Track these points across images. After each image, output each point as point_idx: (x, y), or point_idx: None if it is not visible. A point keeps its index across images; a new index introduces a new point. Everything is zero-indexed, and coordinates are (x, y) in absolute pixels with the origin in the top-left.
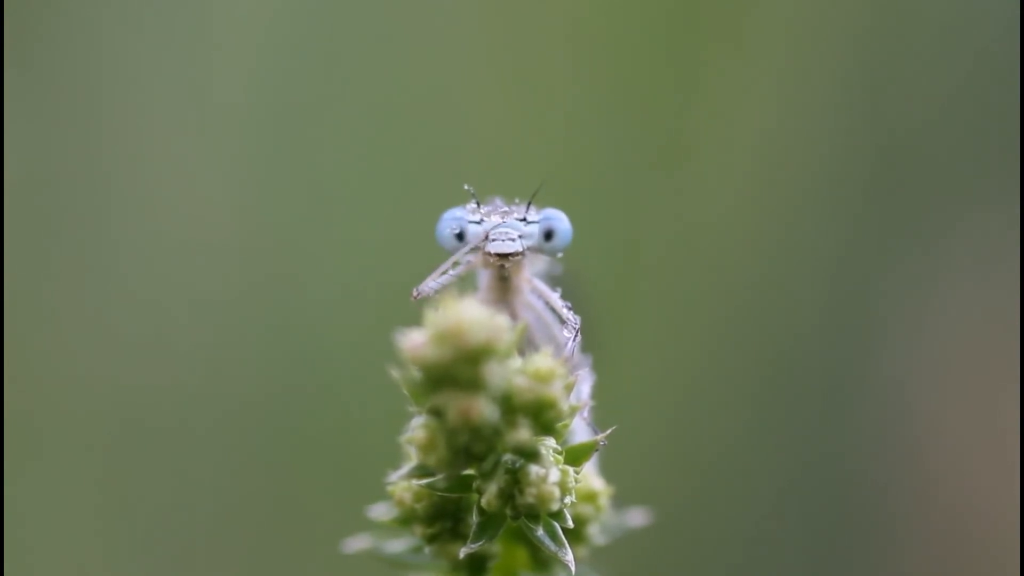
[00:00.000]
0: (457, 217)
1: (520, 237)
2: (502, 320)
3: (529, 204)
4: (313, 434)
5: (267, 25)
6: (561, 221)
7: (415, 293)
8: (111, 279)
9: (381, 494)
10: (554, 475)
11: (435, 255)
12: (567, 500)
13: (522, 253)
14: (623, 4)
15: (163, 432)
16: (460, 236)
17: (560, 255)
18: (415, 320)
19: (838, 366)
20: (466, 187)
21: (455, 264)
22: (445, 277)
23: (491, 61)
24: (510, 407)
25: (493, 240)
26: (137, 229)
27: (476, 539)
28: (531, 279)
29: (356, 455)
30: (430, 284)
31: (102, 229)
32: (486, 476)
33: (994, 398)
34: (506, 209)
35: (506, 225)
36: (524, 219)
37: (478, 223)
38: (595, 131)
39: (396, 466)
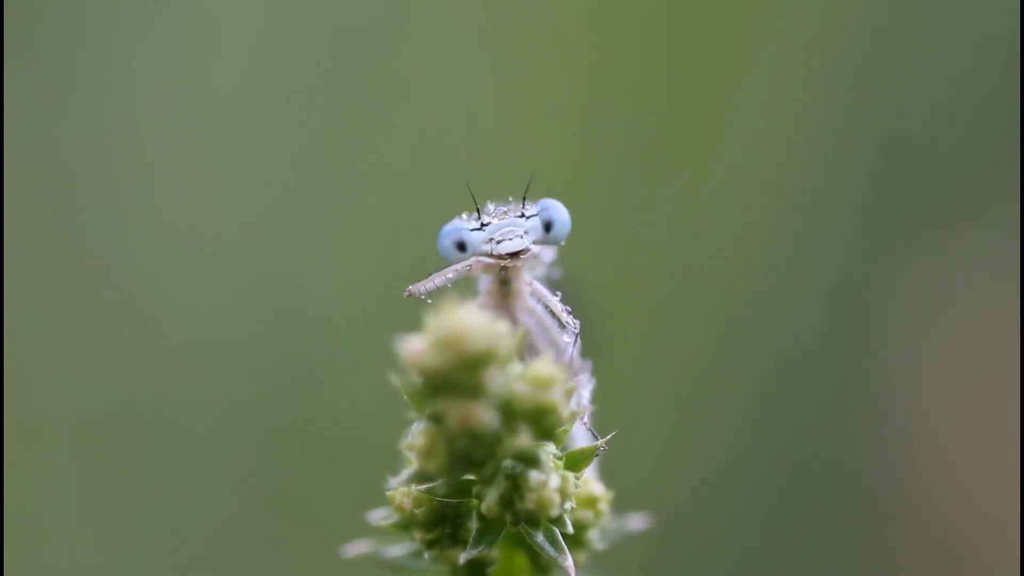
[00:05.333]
0: (457, 228)
1: (525, 233)
2: (502, 326)
3: (524, 199)
4: (313, 434)
5: (264, 22)
6: (558, 209)
7: (407, 292)
8: (110, 275)
9: (381, 497)
10: (554, 481)
11: (433, 252)
12: (567, 505)
13: (530, 249)
14: (626, 4)
15: (161, 431)
16: (462, 247)
17: (562, 243)
18: (414, 318)
19: (839, 368)
20: (467, 188)
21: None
22: (439, 279)
23: (491, 57)
24: (510, 413)
25: (500, 241)
26: (136, 226)
27: (476, 544)
28: (532, 282)
29: (356, 457)
30: (423, 285)
31: (102, 225)
32: (486, 482)
33: (995, 399)
34: (504, 210)
35: (510, 224)
36: (523, 215)
37: (479, 230)
38: (595, 132)
39: (396, 469)
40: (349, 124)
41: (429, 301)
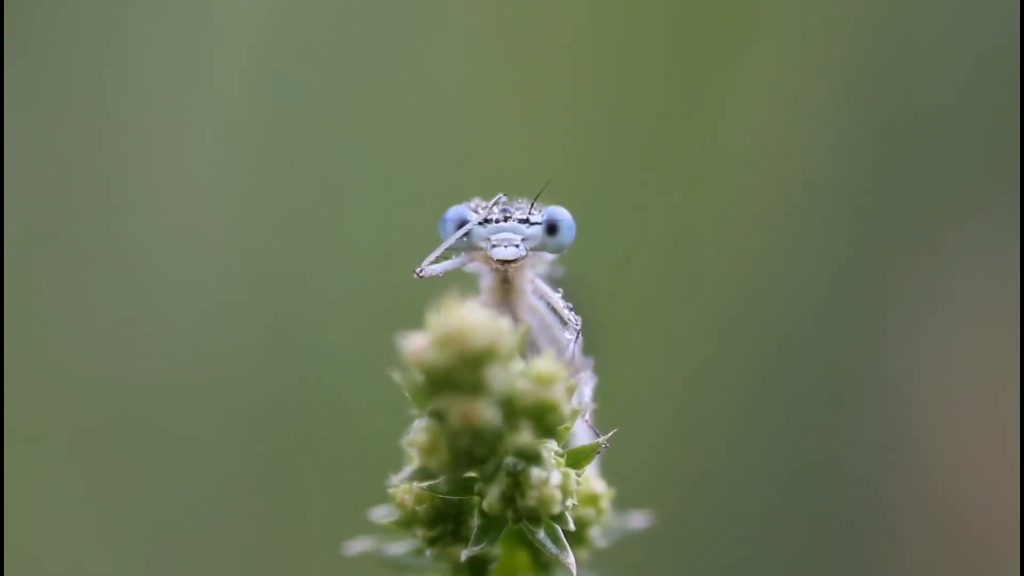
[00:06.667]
0: (460, 213)
1: (523, 240)
2: (504, 323)
3: (533, 204)
4: (314, 433)
5: (266, 21)
6: (565, 219)
7: (418, 272)
8: (111, 277)
9: (382, 495)
10: (556, 478)
11: (431, 248)
12: (568, 503)
13: (524, 257)
14: (626, 6)
15: (161, 432)
16: (462, 228)
17: (564, 252)
18: (416, 318)
19: (839, 367)
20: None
21: (457, 252)
22: (451, 262)
23: (491, 58)
24: (512, 410)
25: (495, 246)
26: (137, 227)
27: (477, 542)
28: (534, 279)
29: (357, 455)
30: (435, 267)
31: (102, 227)
32: (488, 479)
33: (994, 398)
34: (509, 209)
35: (508, 229)
36: (527, 220)
37: (482, 223)
38: (596, 132)
39: (398, 468)
40: (349, 126)
41: (439, 277)
